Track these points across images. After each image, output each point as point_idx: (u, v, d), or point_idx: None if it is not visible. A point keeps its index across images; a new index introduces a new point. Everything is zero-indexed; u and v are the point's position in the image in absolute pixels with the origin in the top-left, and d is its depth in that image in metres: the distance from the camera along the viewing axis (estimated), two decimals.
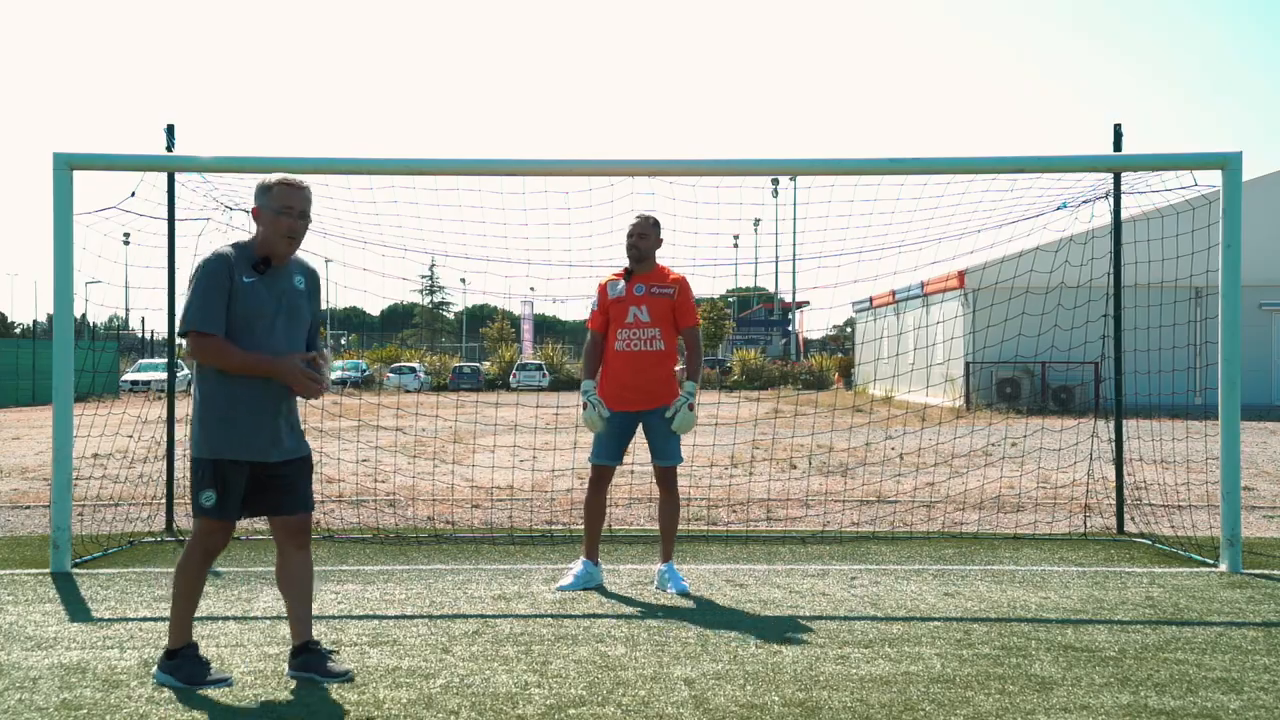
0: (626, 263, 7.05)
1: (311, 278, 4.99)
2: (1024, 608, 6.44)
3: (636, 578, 7.27)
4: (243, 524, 9.36)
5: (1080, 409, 25.35)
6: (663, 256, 7.21)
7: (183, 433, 11.60)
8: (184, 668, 4.80)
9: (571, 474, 12.08)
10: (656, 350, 6.91)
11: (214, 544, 4.85)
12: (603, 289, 7.06)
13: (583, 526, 7.26)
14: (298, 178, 4.88)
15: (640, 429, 7.03)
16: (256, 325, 4.70)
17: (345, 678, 4.86)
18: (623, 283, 6.99)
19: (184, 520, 9.31)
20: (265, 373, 4.68)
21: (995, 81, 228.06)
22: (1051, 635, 5.76)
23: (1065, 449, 11.95)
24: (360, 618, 6.16)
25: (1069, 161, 8.40)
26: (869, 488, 11.68)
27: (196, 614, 6.13)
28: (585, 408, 7.02)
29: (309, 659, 4.91)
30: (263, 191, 4.81)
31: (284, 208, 4.77)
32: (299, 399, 4.88)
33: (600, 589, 6.90)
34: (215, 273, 4.67)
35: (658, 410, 6.91)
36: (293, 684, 4.84)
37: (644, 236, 6.97)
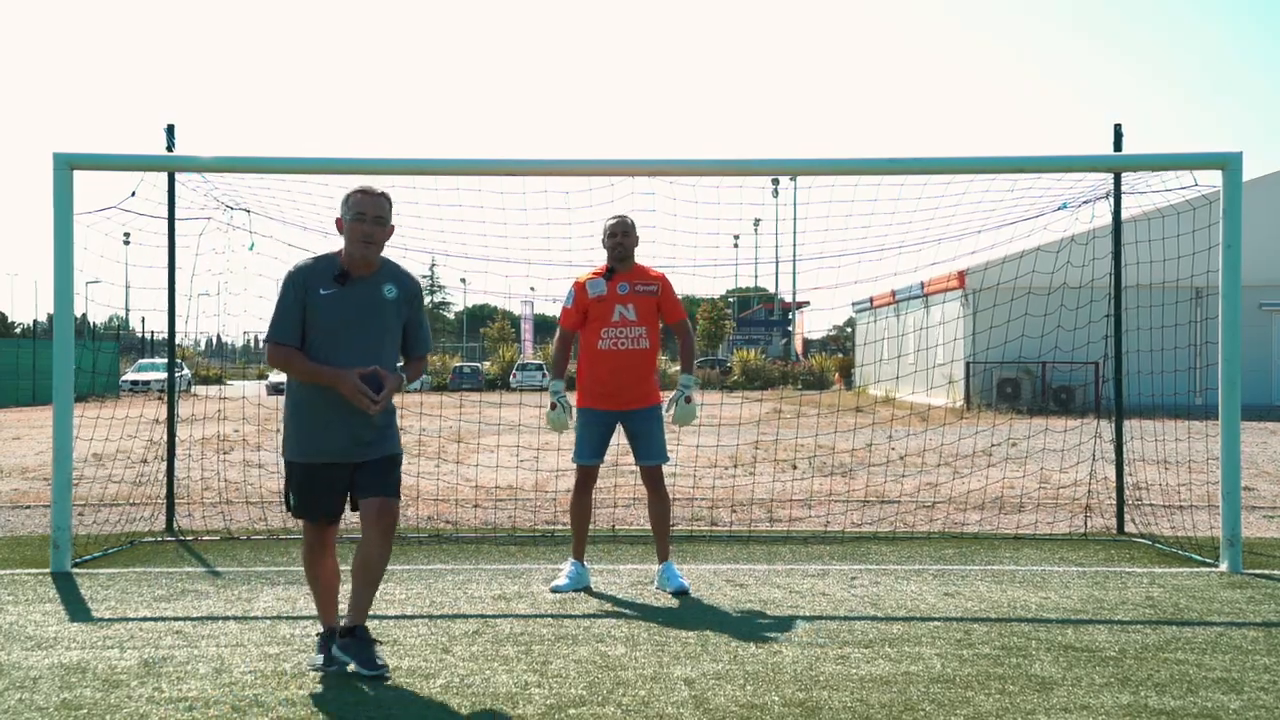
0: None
1: (407, 287, 5.05)
2: (1024, 608, 6.44)
3: (636, 578, 7.27)
4: (239, 522, 9.47)
5: (1081, 409, 25.36)
6: (668, 257, 7.23)
7: (186, 433, 11.64)
8: (325, 646, 5.06)
9: (572, 474, 12.08)
10: (641, 349, 6.92)
11: (312, 540, 5.06)
12: (581, 287, 7.05)
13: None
14: (374, 185, 5.03)
15: (620, 430, 7.04)
16: (333, 335, 4.86)
17: (380, 673, 4.88)
18: (604, 281, 6.98)
19: (184, 520, 9.32)
20: (326, 383, 4.83)
21: (995, 81, 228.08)
22: (1052, 635, 5.76)
23: (1066, 449, 11.95)
24: None
25: (1069, 161, 8.41)
26: (870, 488, 11.68)
27: (196, 614, 6.16)
28: (553, 408, 7.06)
29: (353, 644, 4.94)
30: (343, 201, 4.98)
31: (357, 214, 4.91)
32: (391, 404, 4.99)
33: (589, 590, 6.90)
34: (287, 287, 4.91)
35: (641, 411, 6.92)
36: (293, 684, 4.84)
37: (628, 235, 6.98)
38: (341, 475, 4.96)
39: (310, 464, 4.94)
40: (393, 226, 5.05)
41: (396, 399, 5.06)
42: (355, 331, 4.88)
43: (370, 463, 4.96)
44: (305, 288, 4.89)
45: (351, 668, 4.94)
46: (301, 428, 4.95)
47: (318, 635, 5.22)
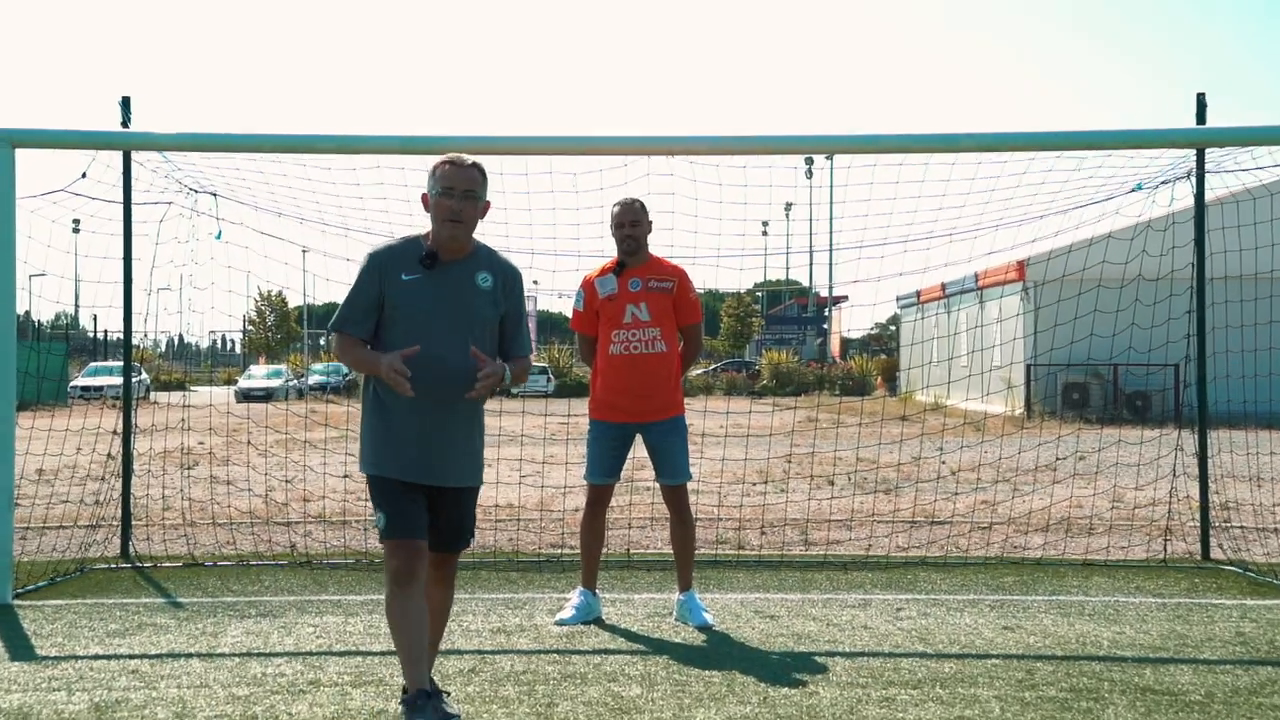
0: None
1: (504, 275, 4.96)
2: (1095, 644, 6.41)
3: (653, 608, 7.26)
4: (205, 546, 9.48)
5: (1159, 418, 25.25)
6: (688, 247, 7.21)
7: (145, 446, 11.66)
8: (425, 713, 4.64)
9: (581, 491, 12.07)
10: (658, 353, 6.91)
11: (398, 568, 4.74)
12: (590, 285, 7.05)
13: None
14: (464, 155, 4.91)
15: (640, 443, 7.03)
16: (418, 327, 4.76)
17: None
18: (614, 277, 6.97)
19: (142, 544, 9.35)
20: (369, 370, 4.77)
21: (1056, 54, 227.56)
22: (1127, 676, 5.73)
23: (1142, 464, 11.88)
24: (341, 654, 6.16)
25: (1145, 136, 8.34)
26: (917, 507, 11.65)
27: (155, 651, 6.17)
28: None
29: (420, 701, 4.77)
30: (429, 175, 4.87)
31: (444, 189, 4.79)
32: (480, 417, 4.94)
33: (600, 621, 6.91)
34: (363, 269, 4.85)
35: (661, 423, 6.91)
36: None
37: (637, 224, 6.94)
38: (422, 495, 4.82)
39: (396, 479, 4.79)
40: (487, 203, 4.93)
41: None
42: (443, 323, 4.77)
43: (449, 498, 4.87)
44: (384, 272, 4.79)
45: None
46: (378, 435, 4.82)
47: (402, 701, 4.83)
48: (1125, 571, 8.70)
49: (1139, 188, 9.24)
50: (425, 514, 4.80)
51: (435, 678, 5.44)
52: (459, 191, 4.78)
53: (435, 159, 4.90)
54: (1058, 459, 14.12)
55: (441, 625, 5.06)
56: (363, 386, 4.99)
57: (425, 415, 4.75)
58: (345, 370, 48.98)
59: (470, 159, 4.88)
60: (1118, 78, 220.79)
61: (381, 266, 4.81)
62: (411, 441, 4.76)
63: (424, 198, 4.88)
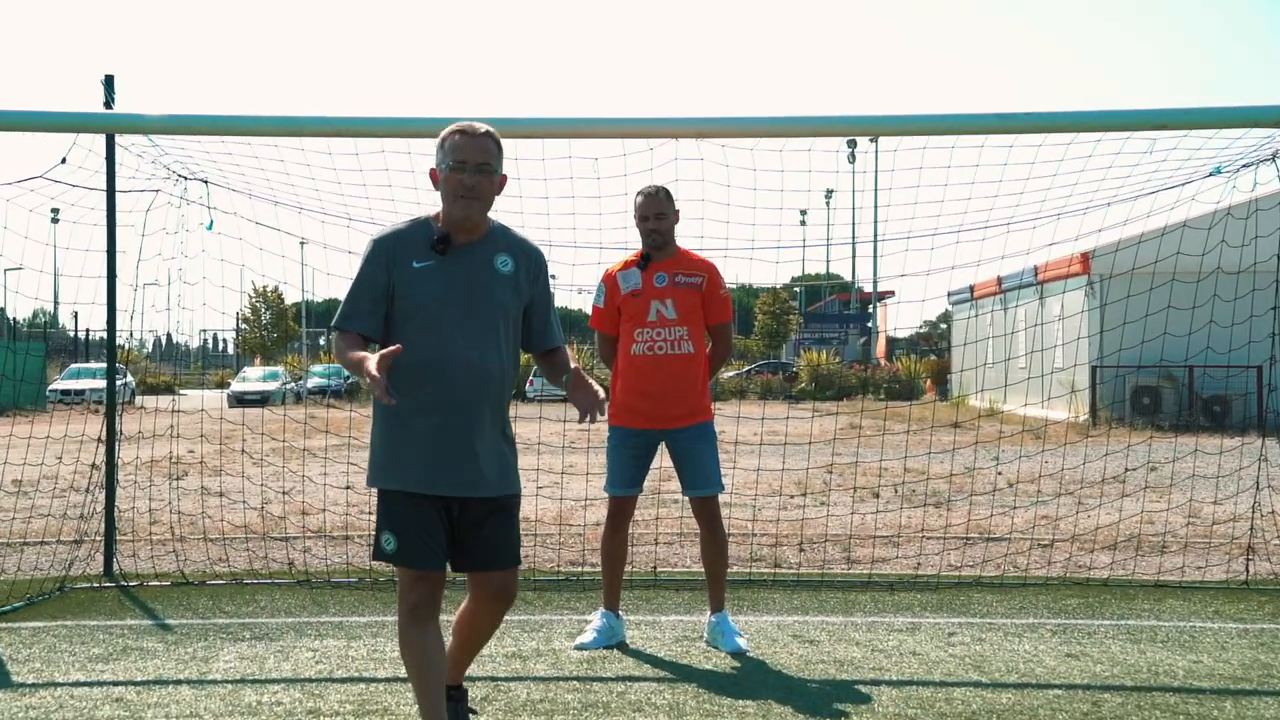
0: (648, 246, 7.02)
1: (525, 258, 4.81)
2: (1169, 674, 6.38)
3: (682, 631, 7.26)
4: (195, 564, 9.53)
5: (1239, 425, 25.08)
6: (719, 238, 7.20)
7: (130, 455, 11.71)
8: None
9: (603, 504, 12.07)
10: (685, 354, 6.92)
11: (416, 600, 4.61)
12: (612, 279, 7.06)
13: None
14: (476, 123, 4.75)
15: (664, 452, 7.03)
16: (432, 320, 4.62)
17: None
18: (638, 271, 6.98)
19: (128, 561, 9.40)
20: (355, 373, 4.51)
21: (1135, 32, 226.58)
22: (1205, 709, 5.70)
23: (1221, 476, 11.83)
24: (344, 680, 6.18)
25: (1226, 114, 8.26)
26: (971, 522, 11.61)
27: (141, 677, 6.20)
28: None
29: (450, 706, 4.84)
30: (437, 147, 4.74)
31: (455, 162, 4.65)
32: (504, 421, 4.77)
33: (624, 646, 6.91)
34: (367, 259, 4.72)
35: (688, 429, 6.92)
36: None
37: (663, 216, 6.95)
38: (443, 514, 4.64)
39: (411, 493, 4.61)
40: (504, 176, 4.79)
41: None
42: (460, 314, 4.62)
43: (477, 511, 4.67)
44: (392, 260, 4.65)
45: None
46: (385, 444, 4.66)
47: None
48: (1202, 594, 8.64)
49: (1218, 171, 9.17)
50: (442, 534, 4.62)
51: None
52: (472, 165, 4.64)
53: (444, 130, 4.78)
54: (1127, 470, 14.03)
55: (485, 641, 5.00)
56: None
57: (443, 419, 4.58)
58: (348, 373, 49.24)
59: (483, 127, 4.73)
60: (1179, 54, 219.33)
61: (389, 253, 4.67)
62: (427, 449, 4.58)
63: (432, 173, 4.76)
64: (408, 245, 4.69)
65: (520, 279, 4.77)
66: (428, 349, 4.56)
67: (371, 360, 4.36)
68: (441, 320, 4.61)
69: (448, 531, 4.65)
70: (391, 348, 4.39)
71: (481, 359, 4.61)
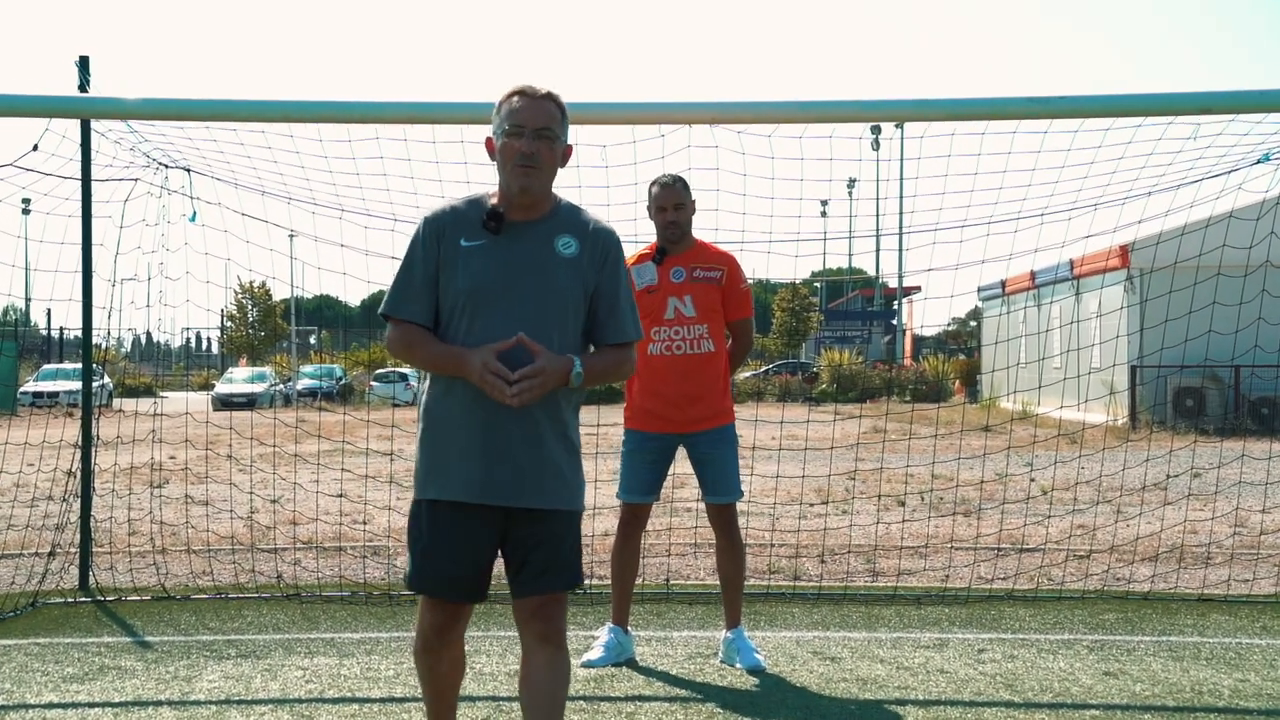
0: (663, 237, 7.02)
1: (593, 239, 4.46)
2: (1214, 693, 6.38)
3: (696, 647, 7.27)
4: (177, 577, 9.53)
5: None
6: (735, 230, 7.20)
7: (108, 460, 11.70)
8: None
9: (611, 512, 12.08)
10: (705, 353, 6.93)
11: (425, 628, 4.45)
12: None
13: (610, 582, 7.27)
14: (536, 85, 4.46)
15: (683, 456, 7.04)
16: (480, 305, 4.32)
17: None
18: (653, 265, 6.99)
19: (105, 574, 9.41)
20: (454, 371, 4.27)
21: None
22: None
23: (1270, 483, 11.81)
24: (335, 701, 6.19)
25: (1273, 98, 8.26)
26: (1003, 532, 11.60)
27: (119, 698, 6.21)
28: None
29: None
30: (494, 113, 4.46)
31: (512, 127, 4.36)
32: (562, 424, 4.42)
33: (633, 663, 6.93)
34: (416, 240, 4.42)
35: (708, 433, 6.93)
36: None
37: (681, 206, 6.96)
38: (486, 529, 4.35)
39: (439, 502, 4.35)
40: (569, 146, 4.51)
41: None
42: (512, 300, 4.30)
43: (529, 520, 4.34)
44: (442, 238, 4.36)
45: None
46: (430, 449, 4.38)
47: None
48: (1249, 609, 8.63)
49: (1266, 158, 9.16)
50: (473, 556, 4.36)
51: None
52: (531, 130, 4.33)
53: (500, 95, 4.48)
54: (1169, 476, 14.02)
55: (558, 703, 4.39)
56: (421, 392, 4.52)
57: (489, 418, 4.25)
58: (339, 373, 49.31)
59: (544, 88, 4.43)
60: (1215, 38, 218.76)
61: (439, 231, 4.37)
62: (471, 454, 4.29)
63: (488, 143, 4.48)
64: (460, 222, 4.39)
65: (584, 263, 4.41)
66: (473, 339, 4.27)
67: (478, 353, 4.16)
68: (489, 306, 4.30)
69: (490, 552, 4.38)
70: (510, 341, 4.15)
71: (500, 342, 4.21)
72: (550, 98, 4.41)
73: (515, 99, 4.38)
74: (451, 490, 4.30)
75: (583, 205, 4.59)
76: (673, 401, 6.90)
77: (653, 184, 7.02)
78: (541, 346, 4.19)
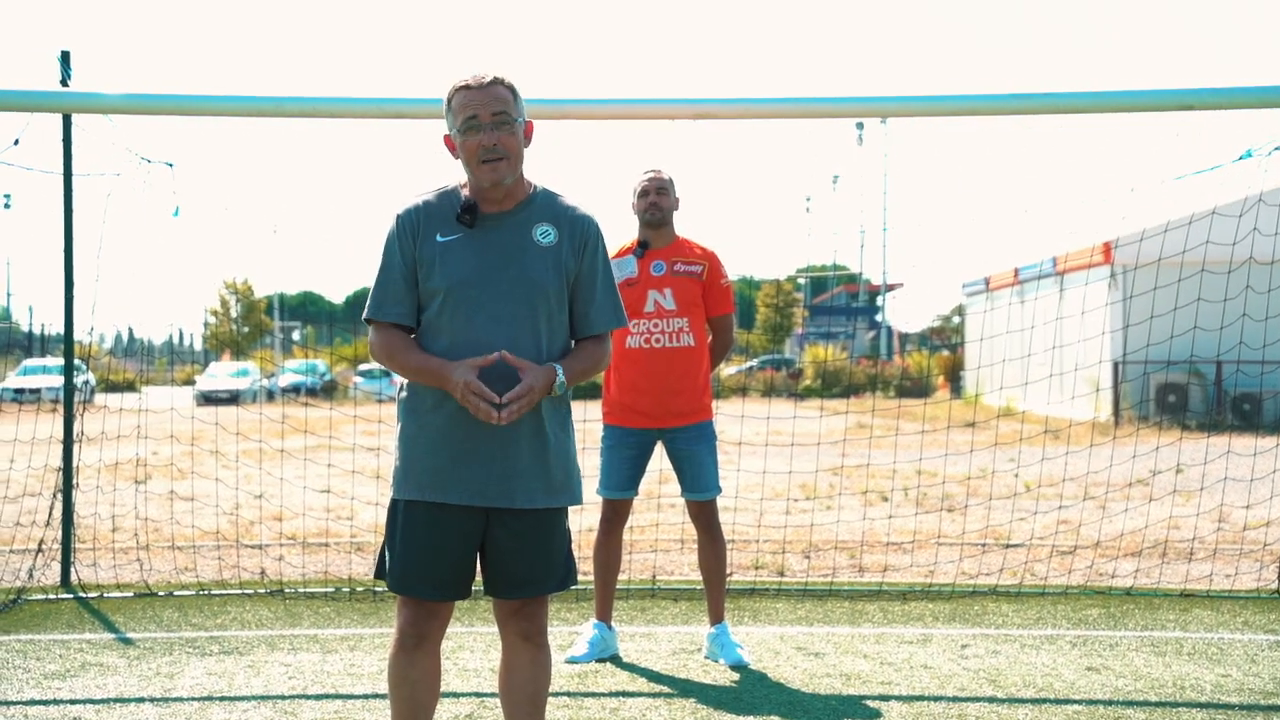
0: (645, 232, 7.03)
1: (570, 225, 4.38)
2: (1196, 688, 6.40)
3: (679, 644, 7.27)
4: (160, 573, 9.50)
5: (1272, 425, 25.14)
6: (714, 226, 7.20)
7: (91, 456, 11.67)
8: None
9: (594, 508, 12.07)
10: (684, 346, 6.93)
11: (403, 625, 4.34)
12: None
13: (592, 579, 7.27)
14: (482, 72, 4.30)
15: (661, 452, 7.05)
16: (459, 303, 4.25)
17: None
18: (634, 259, 7.00)
19: (87, 571, 9.39)
20: (435, 384, 4.20)
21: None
22: None
23: (1254, 478, 11.83)
24: (318, 697, 6.19)
25: (1257, 94, 8.27)
26: (987, 528, 11.63)
27: (101, 695, 6.20)
28: None
29: None
30: (445, 109, 4.32)
31: (467, 122, 4.22)
32: (540, 421, 4.30)
33: (617, 659, 6.94)
34: (391, 238, 4.33)
35: (687, 429, 6.94)
36: None
37: (664, 193, 6.99)
38: (466, 529, 4.28)
39: (418, 503, 4.28)
40: (529, 123, 4.35)
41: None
42: (490, 294, 4.24)
43: (512, 520, 4.29)
44: (417, 235, 4.28)
45: None
46: (408, 449, 4.32)
47: None
48: (1232, 604, 8.66)
49: (1248, 154, 9.18)
50: (452, 558, 4.29)
51: None
52: (487, 120, 4.21)
53: (447, 90, 4.35)
54: (1152, 472, 14.08)
55: (537, 702, 4.43)
56: (400, 391, 4.46)
57: (468, 419, 4.17)
58: (323, 369, 49.22)
59: (489, 74, 4.28)
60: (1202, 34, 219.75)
61: (413, 228, 4.29)
62: (449, 451, 4.24)
63: (447, 140, 4.35)
64: (433, 217, 4.31)
65: (564, 251, 4.34)
66: (452, 335, 4.23)
67: (459, 370, 4.10)
68: (468, 302, 4.24)
69: (469, 552, 4.32)
70: (489, 356, 4.11)
71: (514, 346, 4.19)
72: (497, 81, 4.27)
73: (463, 92, 4.25)
74: (430, 491, 4.25)
75: (560, 191, 4.50)
76: (652, 395, 6.90)
77: (643, 173, 7.06)
78: (527, 362, 4.15)
